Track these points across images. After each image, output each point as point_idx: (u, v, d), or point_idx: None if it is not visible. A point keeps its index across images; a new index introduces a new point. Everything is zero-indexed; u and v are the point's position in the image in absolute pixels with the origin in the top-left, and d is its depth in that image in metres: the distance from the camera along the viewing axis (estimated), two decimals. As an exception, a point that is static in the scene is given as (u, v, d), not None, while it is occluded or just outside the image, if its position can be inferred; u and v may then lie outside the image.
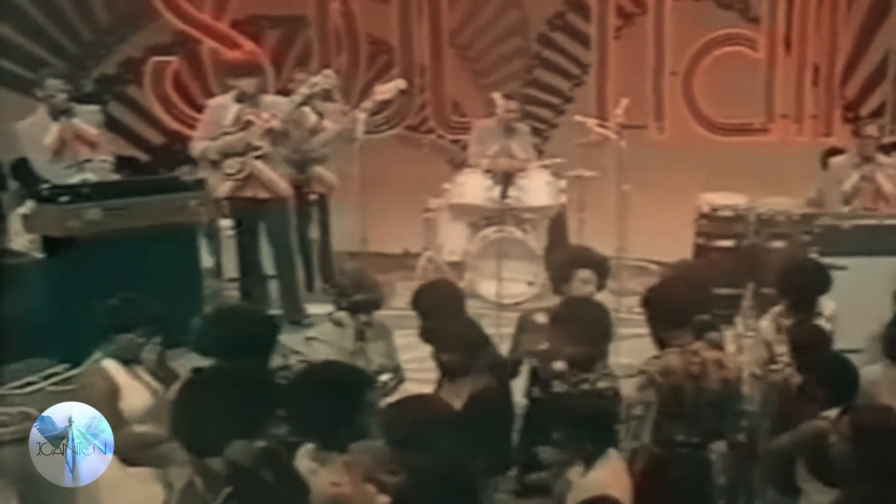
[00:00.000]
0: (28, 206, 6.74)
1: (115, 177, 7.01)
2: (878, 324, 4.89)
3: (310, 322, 6.27)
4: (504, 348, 5.29)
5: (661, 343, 4.57)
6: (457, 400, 4.36)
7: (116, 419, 4.39)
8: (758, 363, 5.18)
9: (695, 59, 9.01)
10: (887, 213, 7.01)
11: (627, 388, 4.69)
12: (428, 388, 4.73)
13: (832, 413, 4.13)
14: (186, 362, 4.57)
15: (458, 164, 8.57)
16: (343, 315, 5.05)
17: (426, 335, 4.84)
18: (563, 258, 5.57)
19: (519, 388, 5.10)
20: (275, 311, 6.58)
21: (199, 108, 7.83)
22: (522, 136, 8.11)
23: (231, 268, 7.62)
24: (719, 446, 4.52)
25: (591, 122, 7.64)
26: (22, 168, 7.33)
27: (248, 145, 6.98)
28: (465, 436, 3.60)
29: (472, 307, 6.86)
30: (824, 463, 3.80)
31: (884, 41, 8.94)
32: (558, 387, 4.66)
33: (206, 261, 7.57)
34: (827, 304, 5.19)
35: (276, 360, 4.52)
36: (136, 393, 4.50)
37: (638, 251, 7.60)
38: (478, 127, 8.22)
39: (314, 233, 7.97)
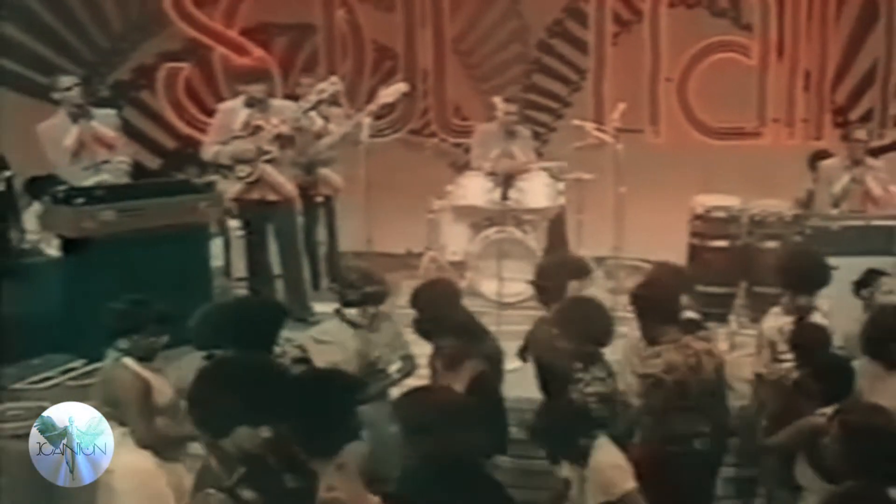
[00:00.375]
0: (44, 208, 6.78)
1: (132, 177, 7.06)
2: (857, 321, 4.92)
3: (316, 320, 6.29)
4: (504, 346, 5.32)
5: (651, 341, 4.59)
6: (457, 386, 4.37)
7: (150, 412, 4.44)
8: (763, 363, 5.21)
9: (689, 65, 9.04)
10: (875, 214, 7.03)
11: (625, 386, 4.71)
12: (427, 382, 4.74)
13: (828, 410, 4.15)
14: (191, 361, 4.61)
15: (460, 167, 8.59)
16: (351, 311, 5.08)
17: (420, 327, 4.84)
18: (558, 271, 5.46)
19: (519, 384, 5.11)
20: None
21: (210, 113, 7.86)
22: (522, 140, 8.12)
23: (240, 267, 7.63)
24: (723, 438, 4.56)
25: (589, 126, 7.67)
26: (36, 186, 7.38)
27: (258, 150, 7.02)
28: (474, 420, 3.61)
29: (473, 305, 6.91)
30: (821, 458, 3.83)
31: (872, 50, 8.97)
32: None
33: (216, 260, 7.59)
34: (821, 301, 5.21)
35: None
36: (159, 388, 4.54)
37: (634, 251, 7.63)
38: (479, 131, 8.24)
39: (320, 233, 7.99)
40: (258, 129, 7.02)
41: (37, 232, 7.17)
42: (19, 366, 6.34)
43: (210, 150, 7.18)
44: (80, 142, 6.78)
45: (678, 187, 8.16)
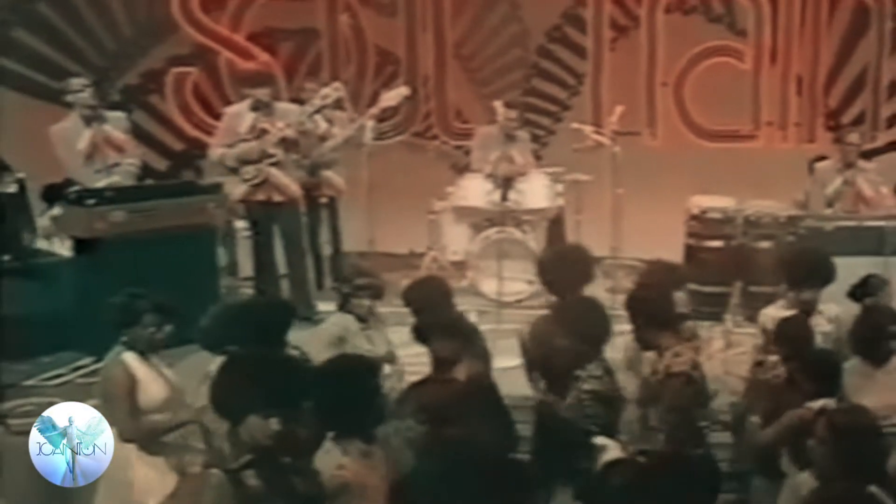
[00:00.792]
0: (57, 209, 6.79)
1: (142, 178, 7.08)
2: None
3: (320, 318, 6.30)
4: (505, 344, 5.31)
5: (646, 344, 4.58)
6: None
7: (133, 410, 4.43)
8: (756, 351, 5.23)
9: (685, 70, 9.04)
10: (867, 214, 7.03)
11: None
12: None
13: (816, 404, 4.15)
14: (199, 358, 4.62)
15: (461, 169, 8.58)
16: (351, 306, 5.10)
17: (418, 333, 4.84)
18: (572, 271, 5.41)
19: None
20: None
21: (217, 116, 7.87)
22: (522, 143, 8.13)
23: (246, 266, 7.65)
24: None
25: (587, 129, 7.68)
26: (53, 193, 7.38)
27: (263, 153, 7.03)
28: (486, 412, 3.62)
29: (474, 304, 6.94)
30: (804, 451, 3.82)
31: (863, 55, 9.00)
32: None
33: (223, 260, 7.60)
34: (829, 306, 5.20)
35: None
36: (153, 384, 4.52)
37: (631, 251, 7.64)
38: (480, 133, 8.25)
39: (324, 234, 8.00)
40: (263, 132, 7.03)
41: (49, 233, 7.17)
42: (31, 363, 6.35)
43: (216, 152, 7.19)
44: (92, 144, 6.80)
45: (674, 189, 8.16)
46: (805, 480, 3.84)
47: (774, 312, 5.21)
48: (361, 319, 5.17)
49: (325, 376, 3.74)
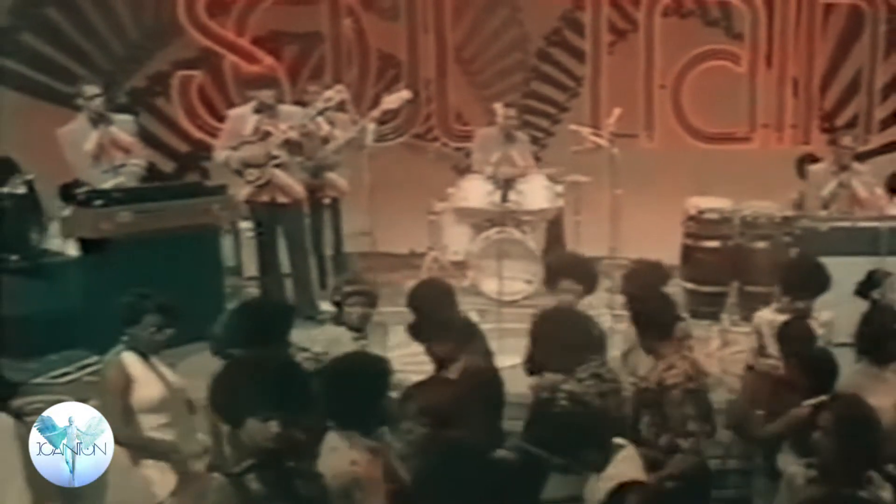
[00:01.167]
0: (67, 210, 6.78)
1: (149, 179, 7.07)
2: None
3: (323, 317, 6.28)
4: (505, 343, 5.29)
5: (647, 349, 4.56)
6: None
7: (126, 411, 4.41)
8: (752, 353, 5.21)
9: (682, 73, 9.04)
10: (861, 215, 7.02)
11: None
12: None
13: (813, 402, 4.14)
14: (201, 358, 4.59)
15: (462, 170, 8.57)
16: (343, 316, 5.05)
17: (414, 331, 4.81)
18: (552, 264, 5.50)
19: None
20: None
21: (222, 119, 7.86)
22: (522, 144, 8.12)
23: (251, 266, 7.63)
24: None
25: (586, 131, 7.65)
26: (71, 192, 7.34)
27: (267, 155, 7.01)
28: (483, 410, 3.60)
29: (474, 303, 6.93)
30: (805, 442, 3.83)
31: (857, 58, 9.01)
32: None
33: (228, 260, 7.59)
34: (821, 312, 5.17)
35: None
36: (149, 384, 4.50)
37: (630, 251, 7.57)
38: (480, 135, 8.24)
39: (327, 234, 7.98)
40: (267, 134, 7.02)
41: (57, 233, 7.15)
42: (39, 361, 6.35)
43: (221, 154, 7.18)
44: (99, 146, 6.79)
45: (672, 190, 8.15)
46: (799, 472, 3.84)
47: (769, 315, 5.21)
48: (356, 329, 5.02)
49: (336, 373, 3.73)
